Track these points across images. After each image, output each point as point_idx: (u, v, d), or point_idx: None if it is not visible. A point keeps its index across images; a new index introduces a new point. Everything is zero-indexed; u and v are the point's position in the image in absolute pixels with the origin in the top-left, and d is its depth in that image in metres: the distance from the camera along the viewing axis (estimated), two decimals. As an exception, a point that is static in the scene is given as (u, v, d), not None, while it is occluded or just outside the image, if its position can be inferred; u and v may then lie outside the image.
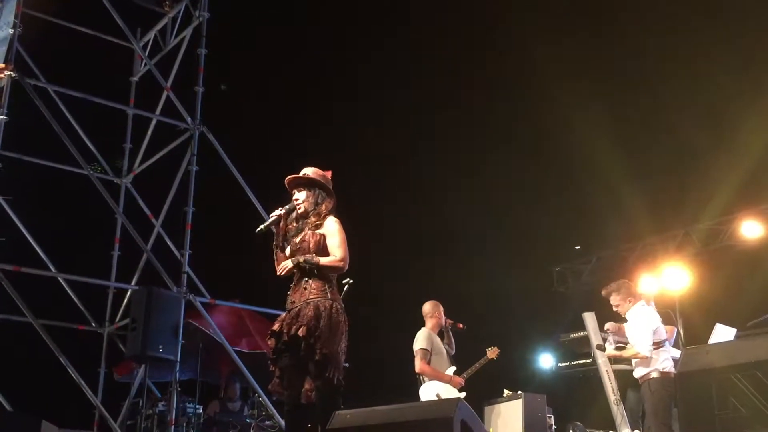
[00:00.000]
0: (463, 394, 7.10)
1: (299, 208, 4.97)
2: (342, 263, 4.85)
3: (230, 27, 11.39)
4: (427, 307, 7.55)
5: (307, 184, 5.04)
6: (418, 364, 7.22)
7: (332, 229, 4.90)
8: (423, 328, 7.46)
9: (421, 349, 7.26)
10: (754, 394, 3.31)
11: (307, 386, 4.73)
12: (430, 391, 7.19)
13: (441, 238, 13.15)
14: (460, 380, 7.24)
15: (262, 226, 4.94)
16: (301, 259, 4.82)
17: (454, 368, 7.31)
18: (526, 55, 11.44)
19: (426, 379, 7.27)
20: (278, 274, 4.97)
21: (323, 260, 4.82)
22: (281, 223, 4.97)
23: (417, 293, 11.97)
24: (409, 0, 12.60)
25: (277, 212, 4.95)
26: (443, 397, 7.03)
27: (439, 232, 13.10)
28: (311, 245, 4.85)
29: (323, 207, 4.97)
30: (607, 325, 7.46)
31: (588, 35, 11.74)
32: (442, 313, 7.50)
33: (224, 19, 10.61)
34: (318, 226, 4.90)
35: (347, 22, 12.67)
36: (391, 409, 4.51)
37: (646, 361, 6.81)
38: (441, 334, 7.56)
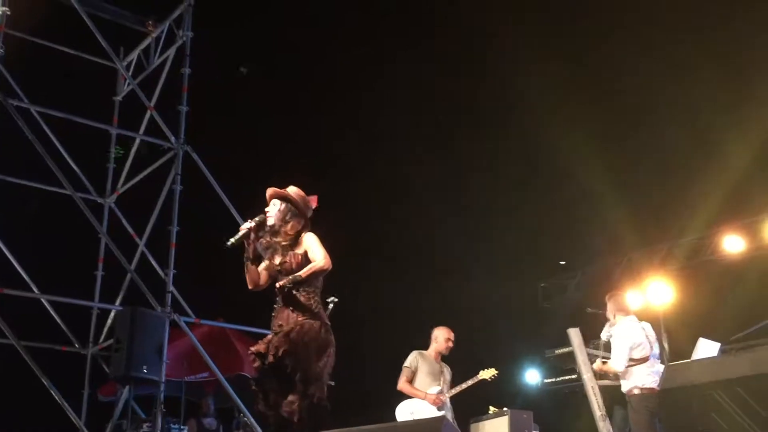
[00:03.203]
0: (442, 413, 7.10)
1: (269, 221, 4.97)
2: (324, 262, 4.80)
3: (214, 45, 11.40)
4: (434, 331, 7.61)
5: (282, 198, 5.05)
6: (399, 382, 7.36)
7: (310, 241, 4.90)
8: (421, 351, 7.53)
9: (403, 367, 7.42)
10: (735, 411, 3.32)
11: (290, 399, 4.71)
12: (405, 409, 7.31)
13: (426, 255, 13.16)
14: (435, 398, 7.24)
15: (232, 239, 4.88)
16: (286, 282, 4.80)
17: (438, 388, 7.32)
18: (511, 70, 11.50)
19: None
20: (250, 287, 4.96)
21: (304, 272, 4.79)
22: (251, 236, 4.95)
23: (402, 309, 12.03)
24: (399, 14, 12.65)
25: (247, 225, 4.92)
26: (417, 414, 7.11)
27: (424, 249, 13.11)
28: (293, 266, 4.84)
29: (289, 226, 4.96)
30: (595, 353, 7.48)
31: (572, 51, 11.82)
32: (447, 340, 7.50)
33: (208, 35, 10.63)
34: (294, 246, 4.90)
35: (333, 39, 12.71)
36: (376, 428, 4.51)
37: (629, 376, 6.83)
38: (446, 360, 7.59)
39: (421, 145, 12.95)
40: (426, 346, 7.58)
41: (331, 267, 4.85)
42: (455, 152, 12.92)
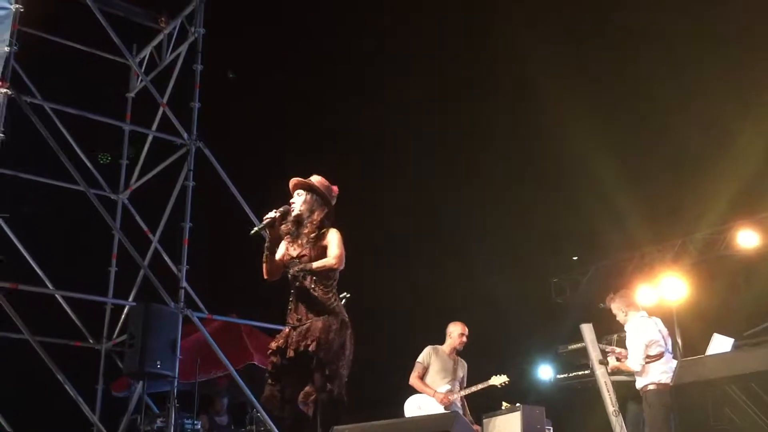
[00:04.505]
0: (448, 411, 7.13)
1: (293, 211, 4.98)
2: (335, 260, 4.82)
3: (225, 40, 11.41)
4: (448, 326, 7.65)
5: (307, 188, 5.07)
6: (410, 377, 7.45)
7: (332, 238, 4.92)
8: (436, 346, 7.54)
9: (416, 362, 7.48)
10: (749, 406, 3.30)
11: (307, 389, 4.73)
12: (413, 404, 7.40)
13: (438, 249, 13.16)
14: (443, 396, 7.27)
15: (256, 228, 4.94)
16: (296, 270, 4.82)
17: (447, 386, 7.34)
18: (523, 63, 11.47)
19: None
20: (265, 277, 4.97)
21: (315, 264, 4.82)
22: (275, 225, 4.97)
23: (415, 305, 12.03)
24: (407, 10, 12.62)
25: (272, 214, 4.94)
26: (424, 410, 7.18)
27: (436, 243, 13.11)
28: (312, 259, 4.86)
29: (315, 215, 4.98)
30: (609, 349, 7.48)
31: (583, 44, 11.77)
32: (461, 336, 7.52)
33: (219, 33, 10.64)
34: (317, 240, 4.91)
35: (342, 35, 12.71)
36: (388, 423, 4.52)
37: (644, 373, 6.81)
38: (461, 354, 7.60)
39: (435, 141, 12.95)
40: (442, 341, 7.60)
41: (341, 267, 4.87)
42: (468, 148, 12.90)
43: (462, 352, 7.71)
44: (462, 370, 7.54)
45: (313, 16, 12.75)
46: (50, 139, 8.77)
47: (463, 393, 7.44)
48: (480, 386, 7.56)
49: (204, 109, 9.82)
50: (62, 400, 8.53)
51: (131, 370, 8.35)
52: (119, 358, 9.73)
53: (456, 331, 7.54)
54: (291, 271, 4.85)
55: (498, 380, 7.57)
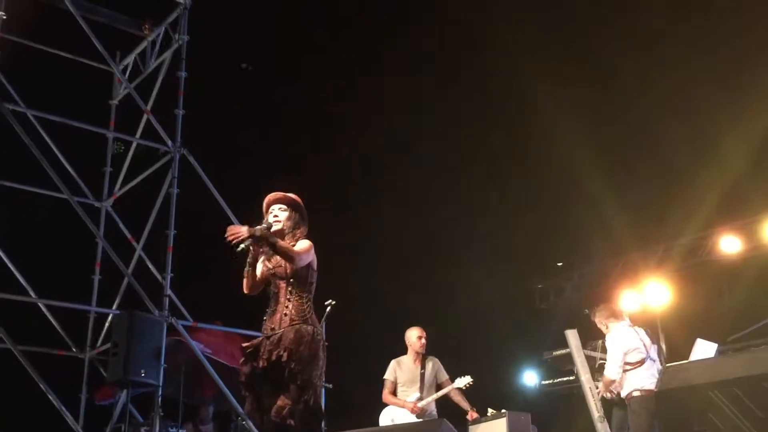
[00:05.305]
0: (421, 420, 7.18)
1: (276, 225, 4.96)
2: (295, 253, 4.77)
3: (208, 47, 11.39)
4: (405, 335, 7.68)
5: (291, 205, 5.05)
6: (382, 394, 7.51)
7: (301, 243, 4.90)
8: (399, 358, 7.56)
9: (384, 379, 7.55)
10: (732, 411, 3.32)
11: (280, 403, 4.70)
12: (386, 416, 7.43)
13: (422, 256, 13.16)
14: (412, 406, 7.31)
15: (242, 245, 4.90)
16: (258, 233, 4.71)
17: (417, 395, 7.37)
18: (509, 69, 11.50)
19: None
20: (246, 292, 4.95)
21: (281, 242, 4.76)
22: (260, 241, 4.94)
23: (399, 310, 12.02)
24: (401, 16, 12.64)
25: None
26: (397, 421, 7.21)
27: (421, 250, 13.11)
28: (288, 270, 4.84)
29: (299, 232, 4.98)
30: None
31: (569, 49, 11.82)
32: (419, 339, 7.53)
33: (203, 39, 10.62)
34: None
35: (326, 42, 12.71)
36: (376, 431, 4.52)
37: (627, 381, 6.85)
38: (424, 358, 7.60)
39: (419, 145, 12.96)
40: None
41: (297, 260, 4.78)
42: (452, 152, 12.92)
43: (446, 358, 7.72)
44: (433, 371, 7.54)
45: (302, 21, 12.74)
46: (33, 147, 8.73)
47: (429, 399, 7.41)
48: (445, 390, 7.53)
49: (189, 117, 9.79)
50: (45, 409, 8.47)
51: (115, 378, 8.32)
52: (103, 366, 9.68)
53: (413, 336, 7.57)
54: (252, 231, 4.70)
55: (462, 382, 7.52)
